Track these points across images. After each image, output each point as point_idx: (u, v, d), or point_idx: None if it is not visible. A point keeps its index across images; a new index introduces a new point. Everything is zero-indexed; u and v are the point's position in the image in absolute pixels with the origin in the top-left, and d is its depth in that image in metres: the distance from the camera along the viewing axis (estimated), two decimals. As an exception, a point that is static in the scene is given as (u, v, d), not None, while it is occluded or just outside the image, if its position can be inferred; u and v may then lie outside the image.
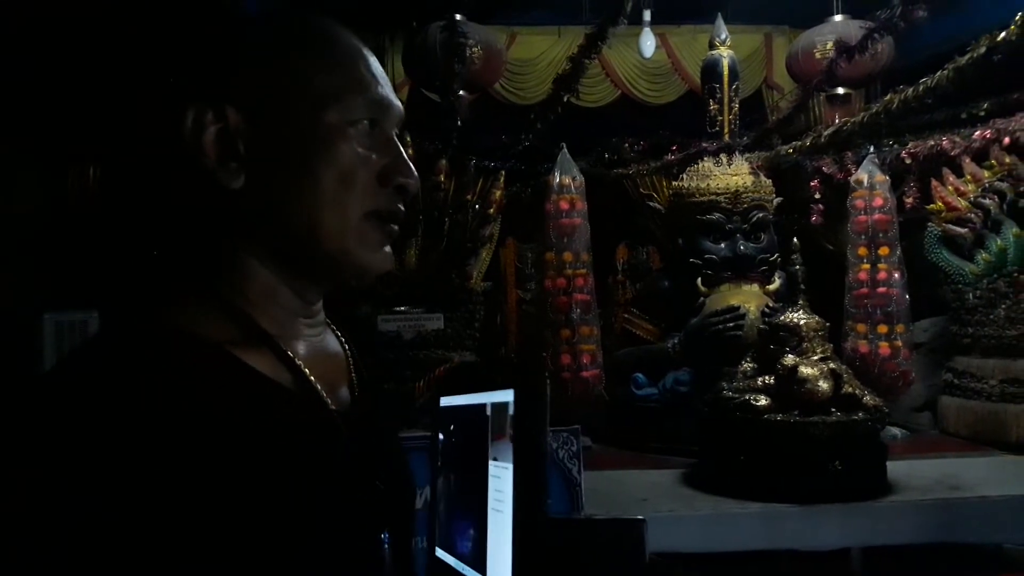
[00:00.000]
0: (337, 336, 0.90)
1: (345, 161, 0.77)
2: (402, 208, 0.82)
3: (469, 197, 4.02)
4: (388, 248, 0.83)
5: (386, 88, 0.82)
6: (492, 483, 0.69)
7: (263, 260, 0.79)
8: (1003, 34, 2.99)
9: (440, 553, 0.80)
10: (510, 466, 0.67)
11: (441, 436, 0.85)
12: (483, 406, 0.73)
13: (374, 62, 0.83)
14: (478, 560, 0.71)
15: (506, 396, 0.69)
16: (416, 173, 0.83)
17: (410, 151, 3.94)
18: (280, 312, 0.80)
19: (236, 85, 0.77)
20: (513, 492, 0.65)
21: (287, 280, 0.80)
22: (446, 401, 0.85)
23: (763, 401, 2.85)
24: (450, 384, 0.87)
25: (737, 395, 2.94)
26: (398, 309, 3.85)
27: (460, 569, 0.76)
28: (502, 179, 4.15)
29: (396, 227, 0.82)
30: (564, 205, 3.86)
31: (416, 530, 0.82)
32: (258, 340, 0.77)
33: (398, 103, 0.84)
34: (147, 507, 0.62)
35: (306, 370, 0.78)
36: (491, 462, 0.70)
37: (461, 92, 4.83)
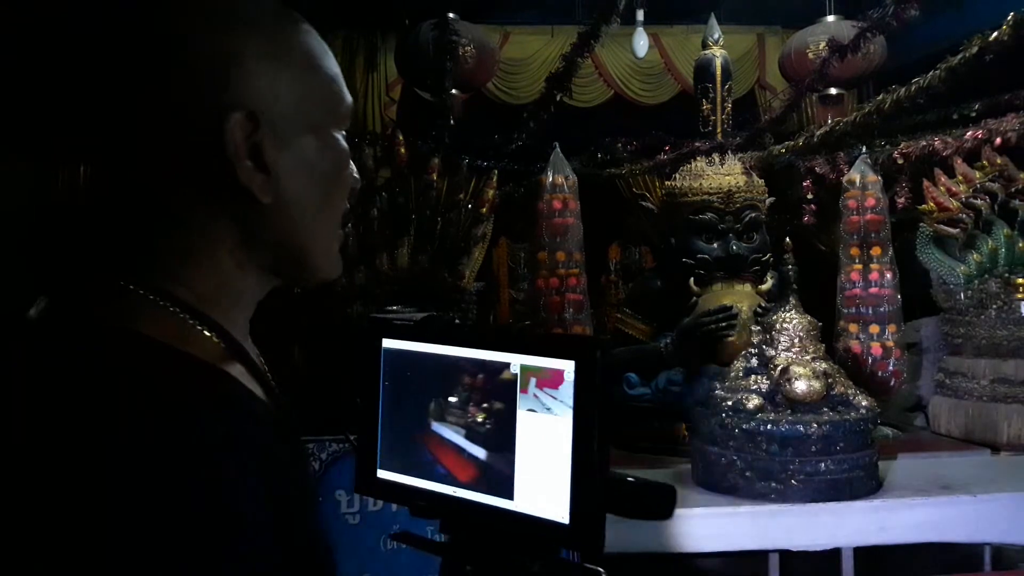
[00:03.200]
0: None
1: (350, 178, 0.74)
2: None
3: (461, 196, 4.01)
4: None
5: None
6: (522, 427, 0.78)
7: (243, 266, 0.73)
8: (995, 34, 2.99)
9: (386, 474, 0.87)
10: (551, 415, 0.75)
11: (389, 380, 0.87)
12: (506, 364, 0.79)
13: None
14: (499, 485, 0.80)
15: (545, 362, 0.76)
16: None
17: (402, 150, 3.97)
18: (240, 317, 0.75)
19: (257, 92, 0.69)
20: (573, 440, 0.75)
21: (256, 284, 0.75)
22: (403, 345, 0.87)
23: (755, 401, 2.85)
24: (415, 331, 0.87)
25: (729, 395, 2.94)
26: (390, 308, 3.84)
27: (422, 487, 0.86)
28: (495, 178, 4.15)
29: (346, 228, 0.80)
30: (557, 204, 3.85)
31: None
32: (234, 354, 0.71)
33: None
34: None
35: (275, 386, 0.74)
36: (522, 412, 0.78)
37: (454, 91, 4.83)
